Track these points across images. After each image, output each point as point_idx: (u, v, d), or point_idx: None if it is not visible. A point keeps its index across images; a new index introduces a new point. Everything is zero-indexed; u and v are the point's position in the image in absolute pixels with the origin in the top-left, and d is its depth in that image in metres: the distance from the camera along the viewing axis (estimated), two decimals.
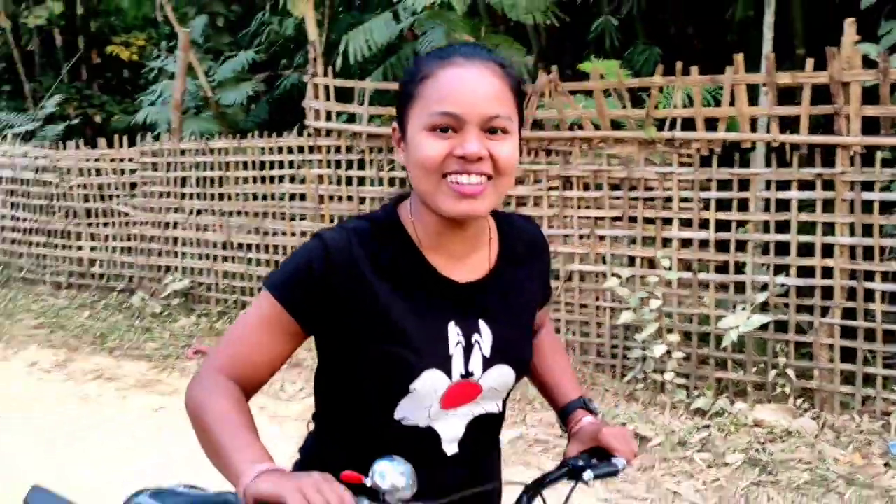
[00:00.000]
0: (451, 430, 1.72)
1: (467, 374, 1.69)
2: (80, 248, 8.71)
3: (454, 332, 1.69)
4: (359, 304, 1.64)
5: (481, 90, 1.58)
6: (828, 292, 5.13)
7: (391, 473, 1.51)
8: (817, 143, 5.15)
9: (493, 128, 1.59)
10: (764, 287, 5.27)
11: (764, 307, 5.25)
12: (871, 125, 5.04)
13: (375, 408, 1.68)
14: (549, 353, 2.06)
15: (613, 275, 5.63)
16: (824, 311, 5.14)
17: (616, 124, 5.80)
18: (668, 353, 5.41)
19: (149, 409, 5.86)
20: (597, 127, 5.83)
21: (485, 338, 1.72)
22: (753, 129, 5.44)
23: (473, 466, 1.77)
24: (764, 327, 5.24)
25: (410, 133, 1.62)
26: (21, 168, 9.06)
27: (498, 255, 1.79)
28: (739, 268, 5.40)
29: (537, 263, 1.90)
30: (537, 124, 6.07)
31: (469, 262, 1.74)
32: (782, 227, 5.26)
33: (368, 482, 1.49)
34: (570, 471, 1.84)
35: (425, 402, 1.67)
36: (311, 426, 1.87)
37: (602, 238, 5.80)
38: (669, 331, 5.46)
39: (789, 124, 5.28)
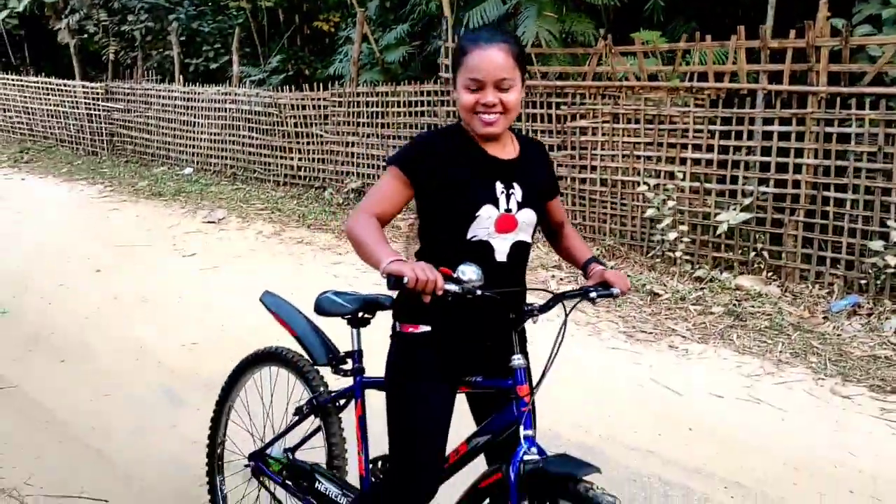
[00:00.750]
0: (501, 246, 2.02)
1: (508, 210, 2.01)
2: (291, 158, 9.16)
3: (499, 186, 2.02)
4: (445, 169, 2.00)
5: (494, 64, 1.92)
6: (795, 198, 5.18)
7: (468, 271, 1.86)
8: (795, 91, 5.14)
9: (502, 86, 1.94)
10: (750, 193, 5.35)
11: (749, 208, 5.33)
12: (834, 78, 5.00)
13: (457, 230, 1.99)
14: (570, 237, 2.29)
15: (644, 183, 5.79)
16: (793, 212, 5.20)
17: (651, 77, 5.87)
18: (679, 238, 5.57)
19: (329, 263, 6.37)
20: (637, 78, 5.91)
21: (517, 191, 2.04)
22: (751, 80, 5.44)
23: (512, 274, 2.05)
24: (748, 222, 5.34)
25: (457, 87, 1.99)
26: (255, 104, 9.53)
27: (519, 151, 2.11)
28: (734, 180, 5.47)
29: (544, 158, 2.20)
30: (597, 76, 6.17)
31: (503, 151, 2.07)
32: (766, 151, 5.30)
33: (454, 275, 1.84)
34: (583, 292, 2.05)
35: (485, 224, 1.99)
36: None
37: (638, 158, 5.93)
38: (681, 223, 5.60)
39: (776, 77, 5.27)
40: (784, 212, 5.22)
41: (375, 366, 2.27)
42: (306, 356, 2.47)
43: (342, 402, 2.43)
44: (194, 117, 10.32)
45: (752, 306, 4.92)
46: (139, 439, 3.58)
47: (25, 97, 12.91)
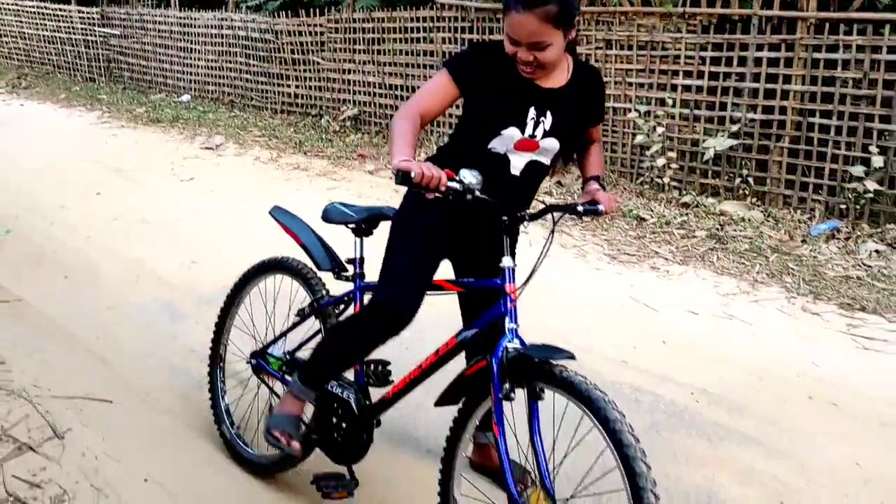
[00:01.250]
0: (517, 161, 2.21)
1: (532, 136, 2.18)
2: (288, 85, 9.21)
3: (532, 112, 2.19)
4: (488, 83, 2.18)
5: (527, 30, 2.05)
6: (782, 125, 5.27)
7: (468, 175, 2.01)
8: (785, 16, 5.17)
9: (538, 46, 2.06)
10: (738, 120, 5.43)
11: (736, 134, 5.42)
12: (824, 4, 5.03)
13: (481, 139, 2.19)
14: (593, 152, 2.44)
15: (635, 110, 5.86)
16: (778, 138, 5.29)
17: (645, 2, 5.87)
18: (667, 164, 5.68)
19: (325, 189, 6.49)
20: (631, 4, 5.92)
21: (548, 121, 2.20)
22: (742, 6, 5.45)
23: (522, 188, 2.25)
24: (735, 148, 5.44)
25: (504, 31, 2.12)
26: (251, 30, 9.51)
27: (569, 79, 2.23)
28: (723, 107, 5.54)
29: (595, 87, 2.33)
30: (591, 2, 6.17)
31: (550, 80, 2.21)
32: (755, 77, 5.36)
33: (456, 177, 2.00)
34: (571, 206, 2.23)
35: (506, 142, 2.18)
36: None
37: (630, 85, 5.98)
38: (670, 150, 5.71)
39: (767, 2, 5.29)
40: (770, 138, 5.31)
41: (374, 276, 2.44)
42: (310, 264, 2.64)
43: (342, 306, 2.60)
44: (191, 44, 10.29)
45: (735, 230, 5.07)
46: (141, 348, 3.78)
47: (21, 22, 12.82)
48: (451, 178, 1.98)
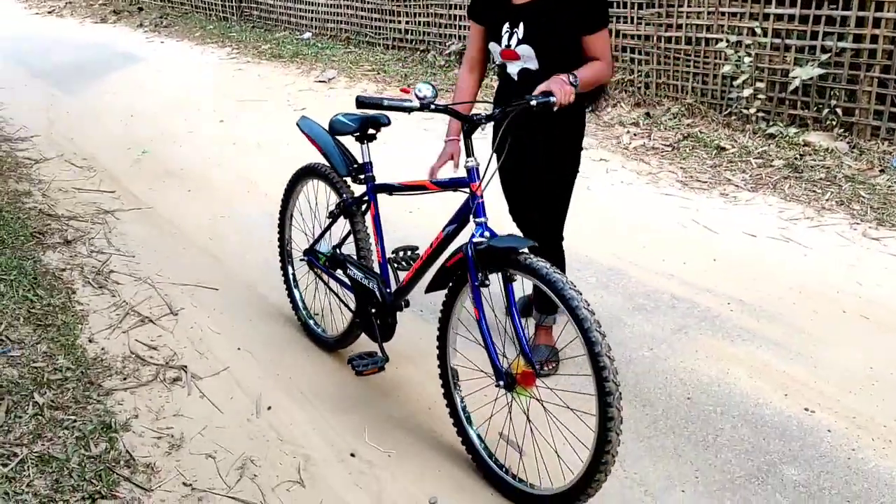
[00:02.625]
0: (512, 69, 2.76)
1: (508, 46, 2.68)
2: (399, 21, 9.57)
3: (505, 26, 2.69)
4: (483, 10, 2.78)
5: None
6: (872, 54, 5.18)
7: (424, 88, 2.37)
8: None
9: None
10: (829, 49, 5.37)
11: (826, 64, 5.38)
12: None
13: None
14: (588, 65, 2.63)
15: (725, 40, 5.89)
16: (869, 67, 5.22)
17: None
18: (754, 95, 5.71)
19: (422, 118, 6.84)
20: None
21: (520, 31, 2.67)
22: None
23: (519, 90, 2.65)
24: (825, 78, 5.40)
25: None
26: None
27: None
28: (814, 35, 5.48)
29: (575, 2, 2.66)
30: None
31: None
32: (847, 4, 5.26)
33: (413, 91, 2.38)
34: (523, 103, 2.36)
35: (496, 54, 2.74)
36: None
37: (722, 14, 5.98)
38: (759, 80, 5.72)
39: None
40: (860, 68, 5.24)
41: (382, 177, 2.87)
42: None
43: (364, 206, 2.99)
44: None
45: (814, 160, 5.10)
46: (244, 247, 4.41)
47: None
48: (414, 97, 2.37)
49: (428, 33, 9.14)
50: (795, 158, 5.15)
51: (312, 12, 11.00)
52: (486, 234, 2.35)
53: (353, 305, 3.05)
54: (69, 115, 7.43)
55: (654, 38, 6.47)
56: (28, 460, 2.55)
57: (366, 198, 2.96)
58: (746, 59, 5.65)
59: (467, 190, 2.42)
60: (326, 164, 3.11)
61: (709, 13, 6.06)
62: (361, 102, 2.38)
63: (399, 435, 2.80)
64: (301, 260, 3.39)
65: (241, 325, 3.61)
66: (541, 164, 2.88)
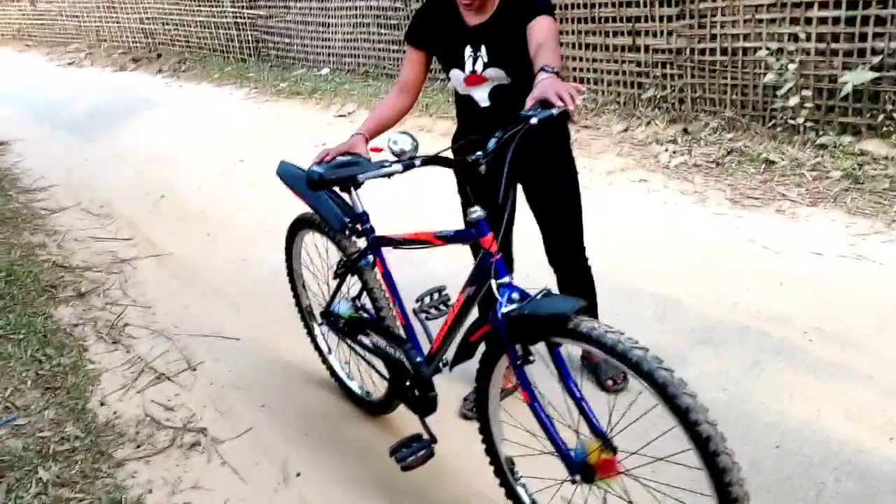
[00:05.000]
0: (478, 95, 2.42)
1: (473, 71, 2.37)
2: None
3: (468, 50, 2.37)
4: (432, 35, 2.45)
5: None
6: None
7: (400, 140, 2.02)
8: None
9: None
10: (881, 51, 5.00)
11: (879, 67, 5.00)
12: None
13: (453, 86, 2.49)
14: (541, 49, 2.19)
15: (766, 48, 5.54)
16: None
17: None
18: (801, 104, 5.34)
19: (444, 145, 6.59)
20: None
21: (483, 53, 2.37)
22: None
23: (498, 115, 2.27)
24: (879, 81, 5.02)
25: None
26: None
27: (495, 9, 2.36)
28: (863, 37, 5.11)
29: (523, 5, 2.33)
30: None
31: (481, 15, 2.37)
32: None
33: (387, 147, 2.03)
34: (523, 119, 1.85)
35: (458, 82, 2.42)
36: None
37: (760, 21, 5.64)
38: (805, 88, 5.35)
39: None
40: None
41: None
42: None
43: (371, 258, 2.51)
44: (329, 18, 10.69)
45: (875, 169, 4.70)
46: (266, 294, 4.09)
47: (181, 10, 13.82)
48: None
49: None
50: (854, 168, 4.75)
51: (329, 48, 10.83)
52: (516, 295, 1.89)
53: (386, 373, 2.67)
54: (87, 162, 7.24)
55: (687, 50, 6.13)
56: None
57: (370, 254, 2.53)
58: (791, 67, 5.29)
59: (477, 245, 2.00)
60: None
61: (745, 21, 5.71)
62: (314, 182, 1.98)
63: None
64: (320, 325, 3.02)
65: (266, 378, 3.29)
66: (538, 186, 2.61)
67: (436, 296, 2.40)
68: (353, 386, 3.03)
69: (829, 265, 3.75)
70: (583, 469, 1.86)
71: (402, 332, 2.49)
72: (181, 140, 7.73)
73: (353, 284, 2.67)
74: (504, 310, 1.87)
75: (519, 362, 1.90)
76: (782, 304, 3.39)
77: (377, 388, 2.89)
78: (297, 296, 3.20)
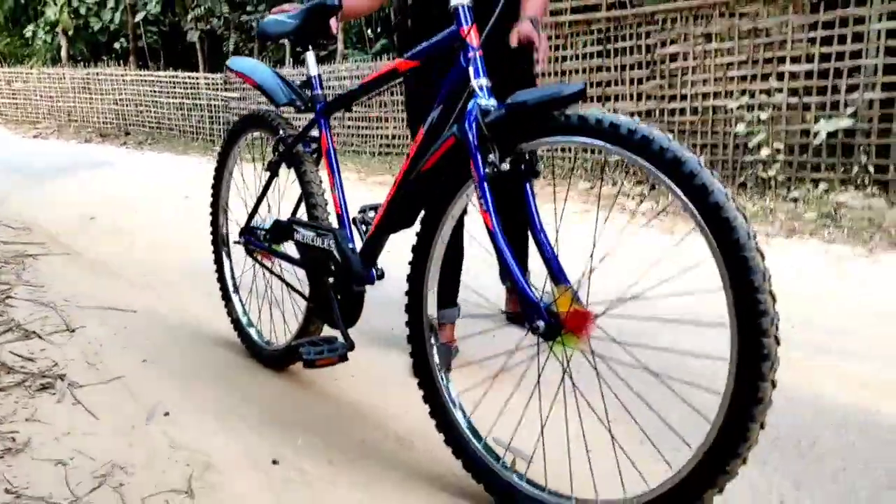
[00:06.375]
0: None
1: None
2: (386, 127, 9.32)
3: None
4: None
5: None
6: None
7: None
8: None
9: None
10: (853, 103, 4.89)
11: (853, 117, 4.87)
12: None
13: None
14: None
15: (737, 102, 5.42)
16: None
17: None
18: (773, 156, 5.16)
19: None
20: None
21: None
22: None
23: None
24: (852, 133, 4.88)
25: None
26: (356, 78, 9.76)
27: None
28: (835, 90, 5.02)
29: None
30: None
31: None
32: (872, 52, 4.85)
33: None
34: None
35: None
36: None
37: (731, 79, 5.57)
38: (777, 142, 5.20)
39: None
40: (893, 119, 4.72)
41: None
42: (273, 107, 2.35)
43: (313, 145, 2.26)
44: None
45: (851, 213, 4.46)
46: (184, 280, 3.62)
47: (155, 91, 13.82)
48: None
49: None
50: (830, 212, 4.50)
51: (299, 127, 10.74)
52: (494, 101, 1.57)
53: (307, 291, 2.24)
54: (30, 196, 6.81)
55: (657, 111, 6.02)
56: None
57: (314, 130, 2.21)
58: (762, 115, 5.14)
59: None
60: (261, 109, 2.47)
61: (716, 79, 5.64)
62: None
63: (347, 441, 1.92)
64: (236, 243, 2.60)
65: (157, 339, 2.78)
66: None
67: (375, 210, 2.05)
68: (253, 333, 2.58)
69: (808, 278, 3.39)
70: (548, 318, 1.46)
71: (335, 224, 2.12)
72: (133, 184, 7.39)
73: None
74: (483, 102, 1.56)
75: (484, 173, 1.54)
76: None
77: (278, 337, 2.52)
78: (215, 219, 2.82)
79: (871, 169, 4.78)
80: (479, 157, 1.54)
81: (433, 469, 1.79)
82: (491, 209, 1.53)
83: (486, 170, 1.53)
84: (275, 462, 1.80)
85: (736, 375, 1.21)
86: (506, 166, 1.53)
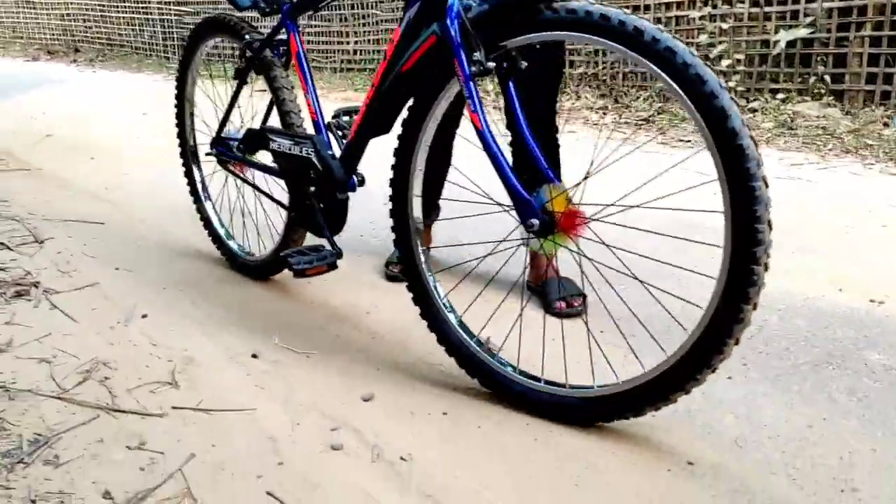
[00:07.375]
0: None
1: None
2: (348, 42, 9.11)
3: None
4: None
5: None
6: (863, 10, 4.75)
7: None
8: None
9: None
10: (813, 13, 4.94)
11: (812, 27, 4.93)
12: None
13: None
14: None
15: (699, 10, 5.44)
16: (859, 26, 4.78)
17: None
18: (733, 66, 5.23)
19: None
20: None
21: None
22: None
23: None
24: (810, 43, 4.95)
25: None
26: None
27: None
28: (795, 0, 5.06)
29: None
30: None
31: None
32: None
33: None
34: None
35: None
36: None
37: None
38: (737, 53, 5.25)
39: None
40: (849, 28, 4.79)
41: None
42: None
43: (282, 48, 2.22)
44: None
45: (807, 124, 4.57)
46: (150, 192, 3.62)
47: (104, 6, 13.29)
48: None
49: (378, 51, 8.65)
50: (786, 121, 4.61)
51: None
52: None
53: (286, 201, 2.25)
54: None
55: None
56: None
57: (282, 33, 2.18)
58: (723, 26, 5.18)
59: None
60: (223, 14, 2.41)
61: None
62: None
63: (323, 337, 2.01)
64: (208, 155, 2.59)
65: (128, 250, 2.81)
66: None
67: (352, 115, 2.05)
68: (233, 245, 2.60)
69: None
70: (543, 216, 1.50)
71: (311, 131, 2.10)
72: (88, 102, 7.21)
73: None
74: None
75: (470, 72, 1.51)
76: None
77: (261, 248, 2.54)
78: (181, 125, 2.77)
79: (828, 79, 4.87)
80: (462, 55, 1.51)
81: (403, 359, 1.89)
82: (479, 108, 1.52)
83: (472, 68, 1.51)
84: (254, 356, 1.88)
85: (731, 262, 1.29)
86: (491, 64, 1.51)
